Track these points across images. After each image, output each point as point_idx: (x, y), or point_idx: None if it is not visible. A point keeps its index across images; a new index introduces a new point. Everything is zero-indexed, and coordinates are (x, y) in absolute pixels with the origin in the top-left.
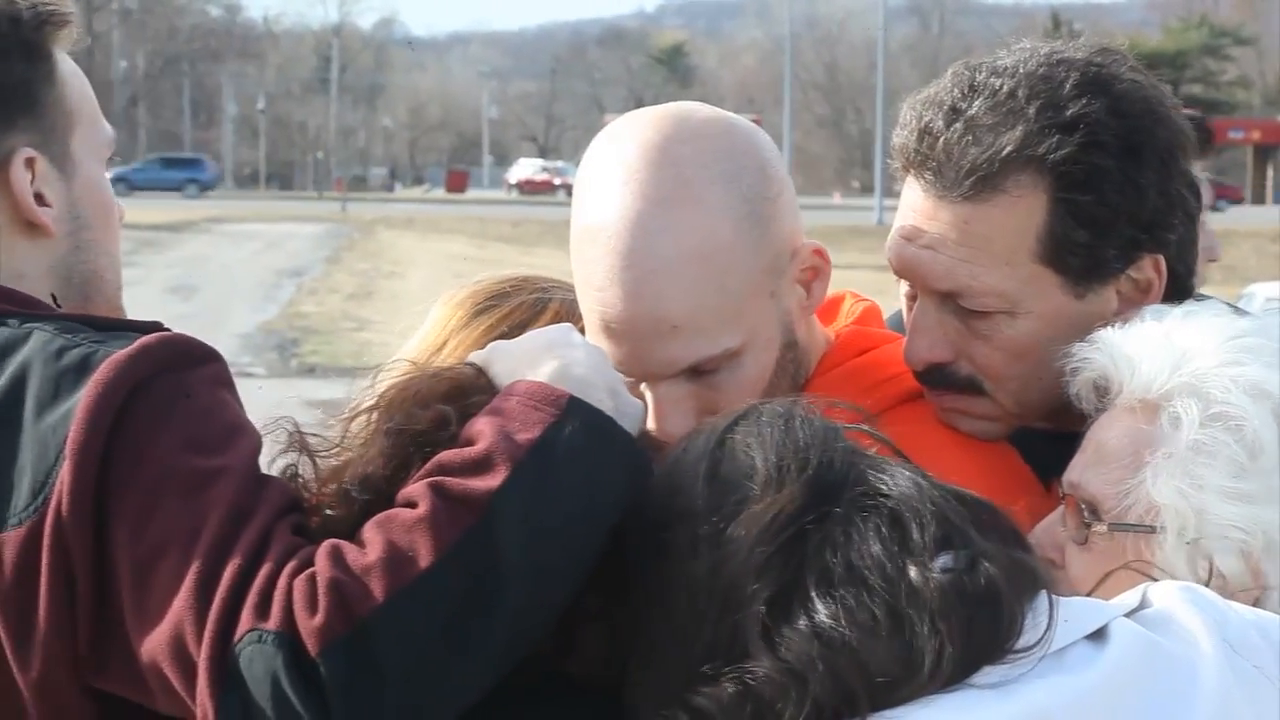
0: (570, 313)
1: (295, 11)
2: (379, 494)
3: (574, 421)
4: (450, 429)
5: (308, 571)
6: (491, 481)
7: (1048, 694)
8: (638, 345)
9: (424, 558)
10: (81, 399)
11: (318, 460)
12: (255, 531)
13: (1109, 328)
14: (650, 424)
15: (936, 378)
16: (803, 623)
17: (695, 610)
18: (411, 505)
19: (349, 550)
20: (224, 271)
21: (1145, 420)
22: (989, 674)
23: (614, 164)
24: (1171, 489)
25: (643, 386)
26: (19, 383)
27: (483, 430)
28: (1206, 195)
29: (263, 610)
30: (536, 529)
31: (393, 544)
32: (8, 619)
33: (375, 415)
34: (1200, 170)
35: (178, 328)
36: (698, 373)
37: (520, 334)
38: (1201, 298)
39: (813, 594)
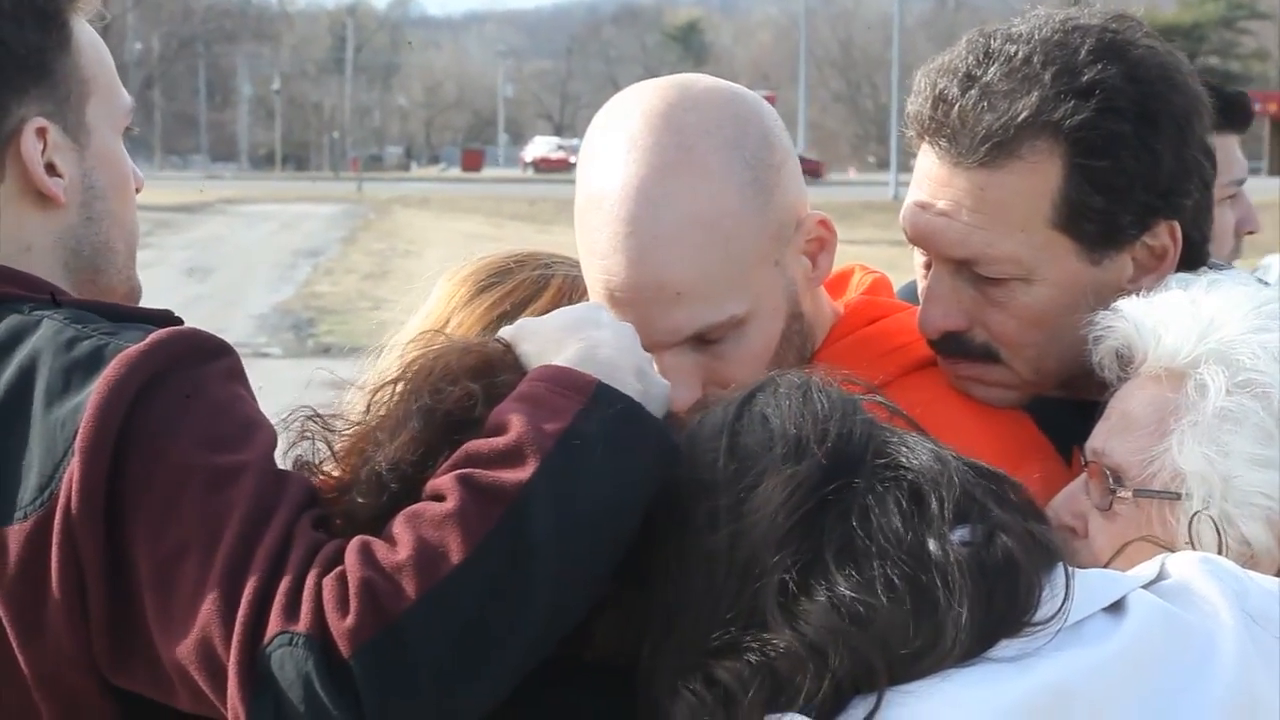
0: (573, 288)
1: None
2: (408, 481)
3: (602, 409)
4: (477, 408)
5: (337, 570)
6: (520, 474)
7: (1065, 667)
8: (642, 313)
9: (455, 554)
10: (92, 394)
11: (337, 438)
12: (278, 529)
13: (1132, 297)
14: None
15: (951, 346)
16: (822, 595)
17: (714, 583)
18: (440, 498)
19: (378, 548)
20: (240, 252)
21: (1171, 388)
22: (1007, 647)
23: (618, 133)
24: (1198, 456)
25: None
26: (28, 372)
27: (510, 418)
28: (1238, 169)
29: (292, 612)
30: (566, 520)
31: (423, 540)
32: (13, 614)
33: (400, 387)
34: (1237, 144)
35: (193, 309)
36: (703, 342)
37: (523, 311)
38: (1222, 267)
39: (832, 566)
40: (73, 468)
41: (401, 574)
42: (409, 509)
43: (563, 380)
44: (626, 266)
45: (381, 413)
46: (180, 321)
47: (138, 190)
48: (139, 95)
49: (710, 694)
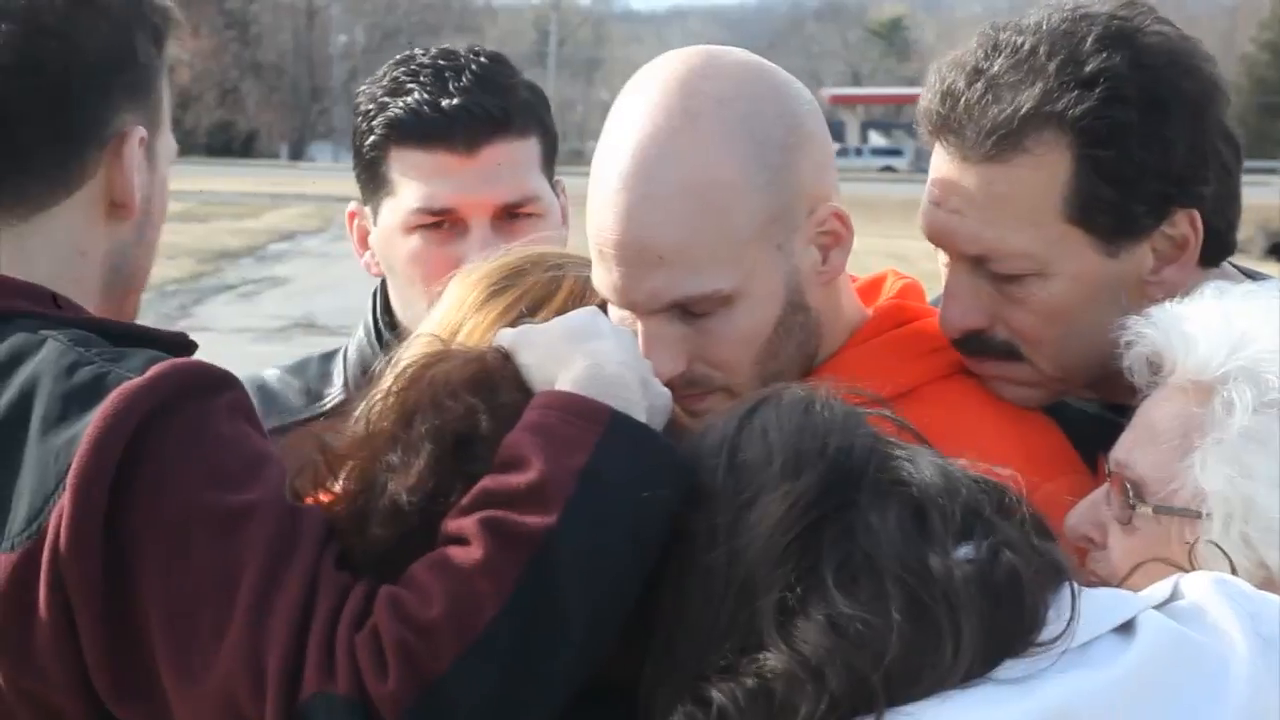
0: (585, 288)
1: None
2: (425, 512)
3: (619, 441)
4: (481, 426)
5: (370, 626)
6: (546, 518)
7: (1071, 689)
8: (626, 272)
9: (488, 608)
10: (89, 427)
11: (335, 453)
12: (300, 574)
13: (1168, 302)
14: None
15: (973, 345)
16: (820, 614)
17: (712, 600)
18: (464, 541)
19: (409, 603)
20: None
21: (1197, 402)
22: (1011, 668)
23: (637, 93)
24: (1220, 475)
25: (633, 319)
26: (27, 396)
27: (527, 455)
28: None
29: (327, 672)
30: (593, 560)
31: (454, 594)
32: (3, 643)
33: (393, 399)
34: None
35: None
36: (689, 314)
37: (538, 313)
38: (1260, 276)
39: (830, 584)
40: (63, 502)
41: (437, 633)
42: (435, 556)
43: (577, 409)
44: (614, 223)
45: (383, 424)
46: (193, 346)
47: None
48: (343, 88)
49: (706, 716)
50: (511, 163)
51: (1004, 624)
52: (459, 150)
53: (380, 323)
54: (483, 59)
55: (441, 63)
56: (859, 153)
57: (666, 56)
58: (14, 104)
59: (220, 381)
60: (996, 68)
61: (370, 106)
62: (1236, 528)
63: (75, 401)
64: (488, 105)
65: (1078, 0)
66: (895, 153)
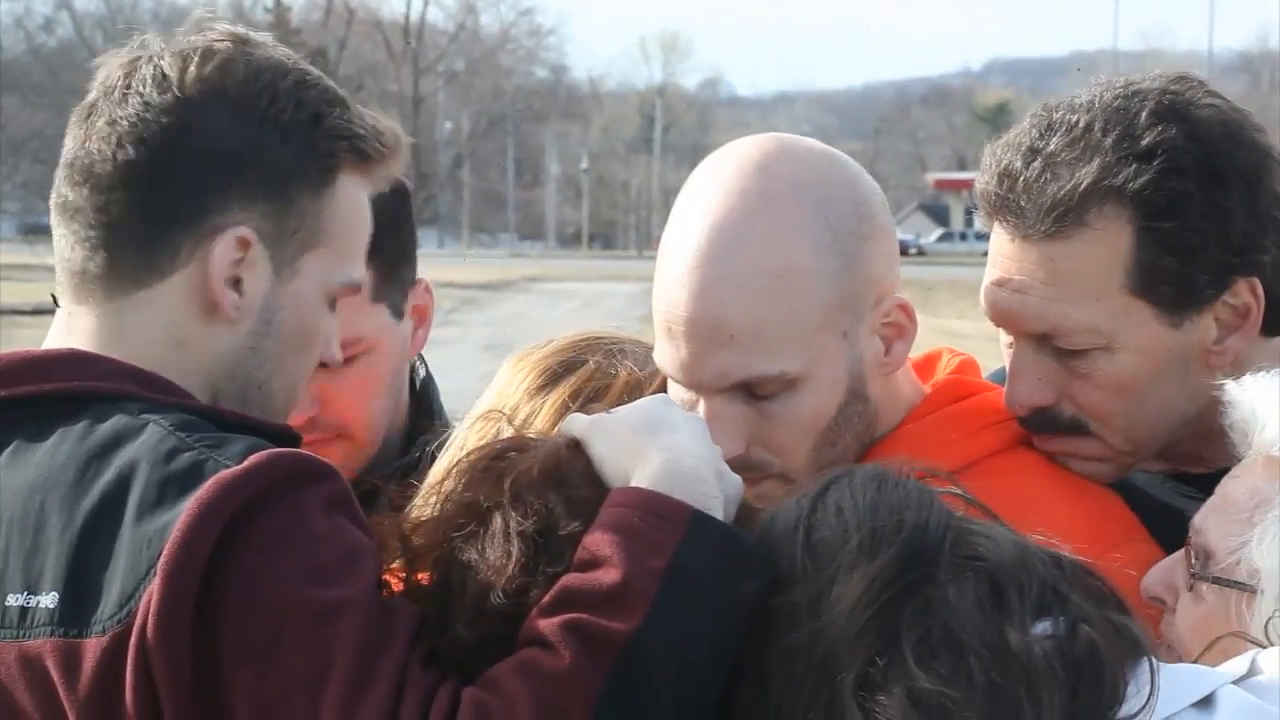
0: (640, 380)
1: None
2: (509, 615)
3: (701, 540)
4: (560, 524)
5: None
6: (630, 621)
7: None
8: (695, 350)
9: (575, 714)
10: (183, 514)
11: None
12: (389, 674)
13: (1262, 373)
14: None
15: (1041, 422)
16: (899, 690)
17: (793, 681)
18: (547, 645)
19: (494, 708)
20: (540, 329)
21: (1266, 478)
22: None
23: (711, 176)
24: (1275, 552)
25: (695, 399)
26: (125, 481)
27: (608, 555)
28: None
29: None
30: (679, 662)
31: (541, 701)
32: None
33: (468, 490)
34: None
35: (487, 389)
36: (752, 396)
37: (597, 402)
38: None
39: (910, 660)
40: (153, 588)
41: None
42: (519, 660)
43: (656, 509)
44: (686, 300)
45: (459, 518)
46: (298, 438)
47: (324, 365)
48: (449, 174)
49: None
50: None
51: (1085, 699)
52: None
53: None
54: None
55: None
56: (964, 237)
57: (741, 141)
58: (116, 174)
59: (319, 473)
60: (1053, 146)
61: None
62: None
63: (172, 487)
64: None
65: (1128, 78)
66: None
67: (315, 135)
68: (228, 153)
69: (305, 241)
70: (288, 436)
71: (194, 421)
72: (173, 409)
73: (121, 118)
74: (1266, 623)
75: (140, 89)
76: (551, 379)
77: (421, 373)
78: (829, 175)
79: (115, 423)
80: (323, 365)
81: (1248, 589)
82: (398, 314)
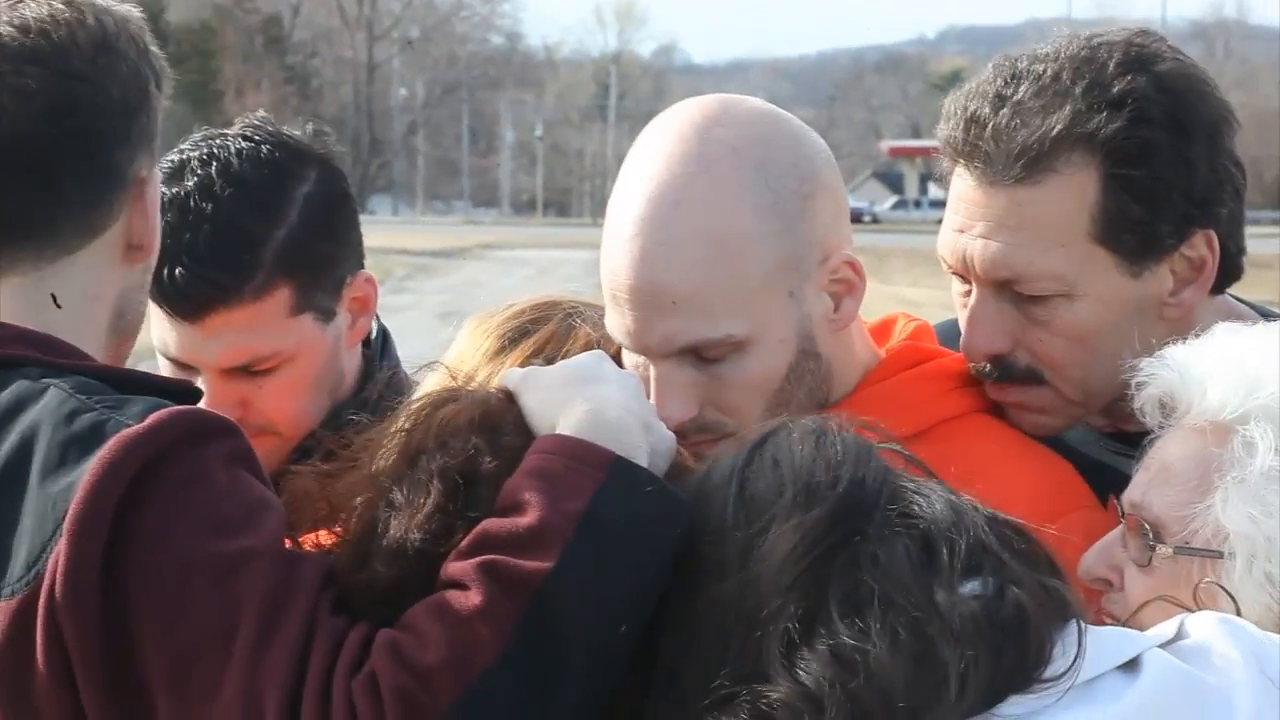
0: (601, 337)
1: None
2: (427, 554)
3: (621, 486)
4: (483, 468)
5: (367, 671)
6: (544, 562)
7: None
8: (639, 317)
9: (486, 652)
10: (86, 475)
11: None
12: (297, 621)
13: (1178, 344)
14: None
15: (996, 371)
16: (823, 645)
17: (720, 631)
18: (461, 585)
19: (407, 646)
20: (494, 297)
21: (1215, 443)
22: (1015, 704)
23: (652, 142)
24: (1243, 515)
25: (646, 364)
26: (27, 444)
27: (527, 497)
28: None
29: (325, 717)
30: (593, 604)
31: (453, 638)
32: (2, 689)
33: (401, 435)
34: None
35: (446, 352)
36: (701, 359)
37: (553, 363)
38: (1272, 315)
39: (835, 615)
40: (59, 548)
41: (435, 677)
42: (434, 600)
43: (578, 454)
44: (628, 268)
45: (388, 462)
46: (197, 394)
47: (247, 372)
48: (402, 141)
49: None
50: (243, 327)
51: (1009, 659)
52: (183, 316)
53: None
54: (237, 189)
55: (194, 197)
56: (918, 205)
57: (683, 104)
58: (51, 148)
59: (220, 429)
60: (1021, 94)
61: None
62: (1260, 566)
63: (74, 449)
64: (215, 275)
65: (1091, 31)
66: None
67: (157, 65)
68: (130, 104)
69: (153, 164)
70: (188, 393)
71: (93, 385)
72: (71, 371)
73: (38, 91)
74: (1195, 587)
75: (47, 60)
76: (510, 343)
77: (375, 329)
78: (769, 136)
79: (15, 389)
80: (246, 373)
81: (1213, 553)
82: (326, 317)
